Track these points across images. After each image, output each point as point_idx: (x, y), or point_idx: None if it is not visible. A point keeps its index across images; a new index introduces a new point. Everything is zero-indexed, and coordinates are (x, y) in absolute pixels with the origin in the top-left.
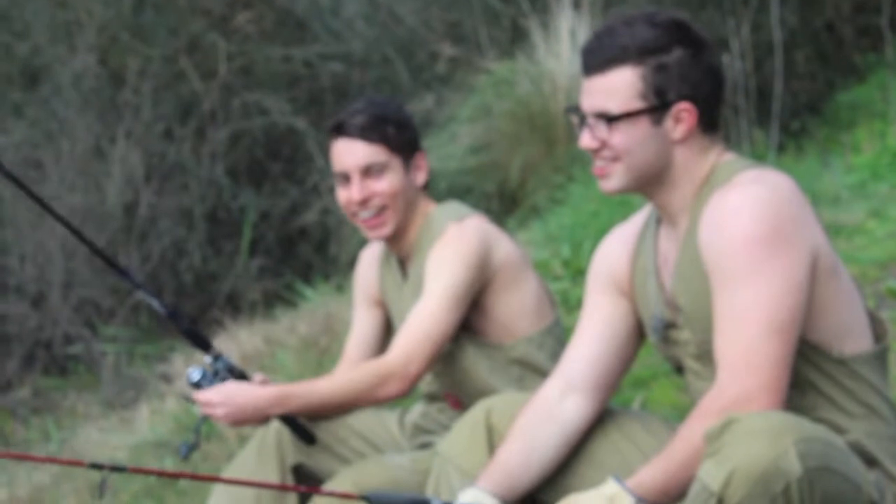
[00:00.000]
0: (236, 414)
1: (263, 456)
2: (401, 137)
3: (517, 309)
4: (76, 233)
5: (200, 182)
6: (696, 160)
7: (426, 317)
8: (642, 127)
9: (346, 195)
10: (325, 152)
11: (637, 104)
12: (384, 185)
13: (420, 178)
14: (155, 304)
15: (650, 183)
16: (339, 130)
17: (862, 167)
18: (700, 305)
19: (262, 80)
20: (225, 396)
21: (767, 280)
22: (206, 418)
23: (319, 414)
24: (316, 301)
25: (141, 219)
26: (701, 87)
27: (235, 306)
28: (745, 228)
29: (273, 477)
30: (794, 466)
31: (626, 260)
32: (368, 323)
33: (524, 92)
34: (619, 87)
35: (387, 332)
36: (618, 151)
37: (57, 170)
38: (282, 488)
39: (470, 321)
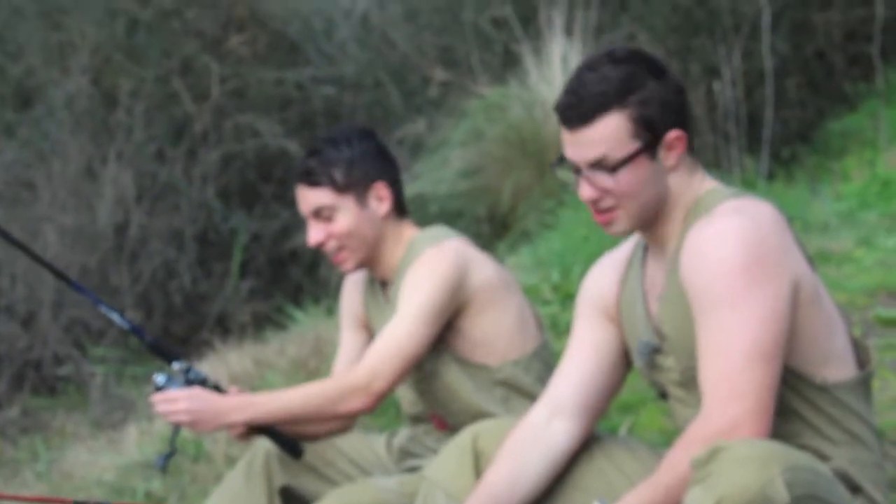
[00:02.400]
0: (197, 413)
1: (251, 478)
2: (349, 177)
3: (496, 331)
4: (16, 243)
5: (191, 203)
6: (686, 184)
7: (395, 335)
8: (643, 165)
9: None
10: None
11: (634, 145)
12: (336, 226)
13: (382, 208)
14: (117, 318)
15: (654, 217)
16: (294, 177)
17: (851, 195)
18: (684, 333)
19: (254, 102)
20: (186, 396)
21: (749, 308)
22: (179, 429)
23: (282, 424)
24: (305, 323)
25: (132, 239)
26: (681, 110)
27: (225, 328)
28: (726, 258)
29: (260, 499)
30: (781, 495)
31: (614, 286)
32: (355, 345)
33: (516, 117)
34: (610, 133)
35: None
36: (622, 196)
37: (48, 190)
38: None
39: (449, 341)
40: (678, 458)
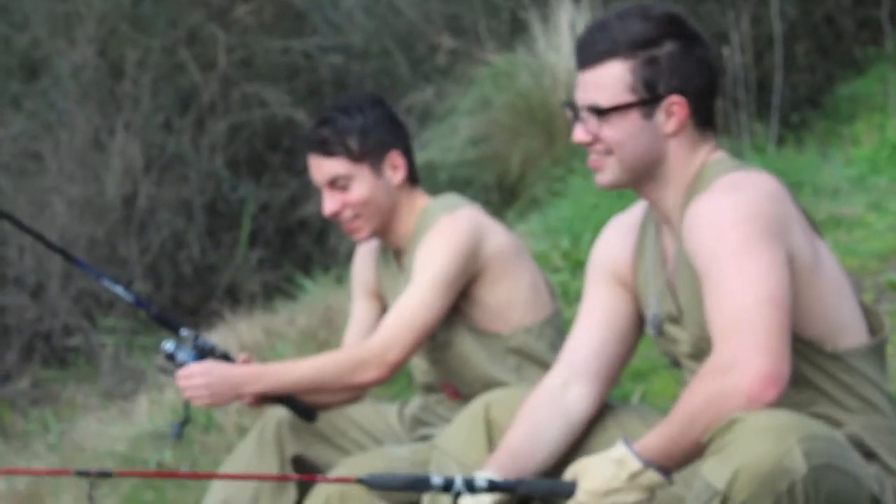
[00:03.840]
0: (213, 387)
1: (263, 447)
2: (364, 146)
3: (510, 299)
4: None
5: (200, 173)
6: (687, 155)
7: (409, 305)
8: (633, 120)
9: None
10: None
11: (626, 97)
12: (352, 195)
13: (397, 177)
14: (120, 291)
15: (644, 177)
16: (305, 147)
17: (861, 160)
18: (696, 303)
19: (261, 71)
20: (201, 371)
21: (750, 255)
22: None
23: (296, 394)
24: (315, 293)
25: (140, 210)
26: (692, 80)
27: (235, 298)
28: (723, 216)
29: (272, 468)
30: (798, 465)
31: (628, 252)
32: (367, 315)
33: (524, 84)
34: (609, 80)
35: None
36: (609, 144)
37: (56, 161)
38: (279, 479)
39: (464, 310)
40: (691, 394)
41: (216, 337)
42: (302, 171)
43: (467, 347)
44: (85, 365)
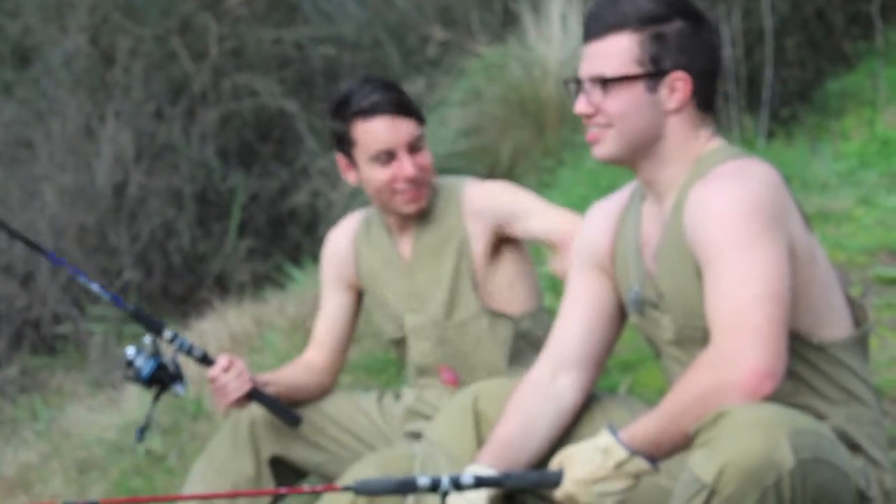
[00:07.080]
0: None
1: (238, 447)
2: (419, 110)
3: (516, 278)
4: None
5: (190, 163)
6: (687, 136)
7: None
8: (636, 93)
9: (391, 173)
10: (316, 134)
11: (632, 69)
12: (426, 157)
13: None
14: (96, 288)
15: (642, 154)
16: (375, 110)
17: (851, 155)
18: (682, 290)
19: (252, 61)
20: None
21: (755, 250)
22: (158, 400)
23: None
24: (304, 282)
25: (130, 199)
26: (697, 59)
27: (224, 287)
28: (728, 209)
29: (248, 468)
30: (786, 459)
31: (608, 237)
32: (340, 306)
33: (515, 76)
34: (615, 51)
35: (357, 314)
36: (611, 116)
37: (47, 149)
38: (269, 493)
39: (483, 287)
40: (685, 385)
41: (206, 325)
42: (292, 161)
43: (482, 329)
44: (74, 353)
